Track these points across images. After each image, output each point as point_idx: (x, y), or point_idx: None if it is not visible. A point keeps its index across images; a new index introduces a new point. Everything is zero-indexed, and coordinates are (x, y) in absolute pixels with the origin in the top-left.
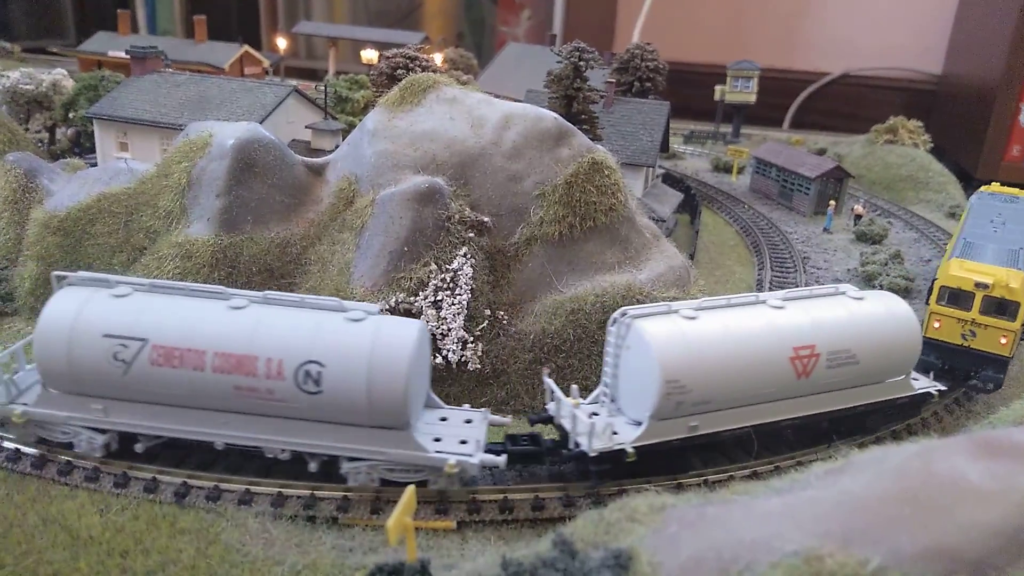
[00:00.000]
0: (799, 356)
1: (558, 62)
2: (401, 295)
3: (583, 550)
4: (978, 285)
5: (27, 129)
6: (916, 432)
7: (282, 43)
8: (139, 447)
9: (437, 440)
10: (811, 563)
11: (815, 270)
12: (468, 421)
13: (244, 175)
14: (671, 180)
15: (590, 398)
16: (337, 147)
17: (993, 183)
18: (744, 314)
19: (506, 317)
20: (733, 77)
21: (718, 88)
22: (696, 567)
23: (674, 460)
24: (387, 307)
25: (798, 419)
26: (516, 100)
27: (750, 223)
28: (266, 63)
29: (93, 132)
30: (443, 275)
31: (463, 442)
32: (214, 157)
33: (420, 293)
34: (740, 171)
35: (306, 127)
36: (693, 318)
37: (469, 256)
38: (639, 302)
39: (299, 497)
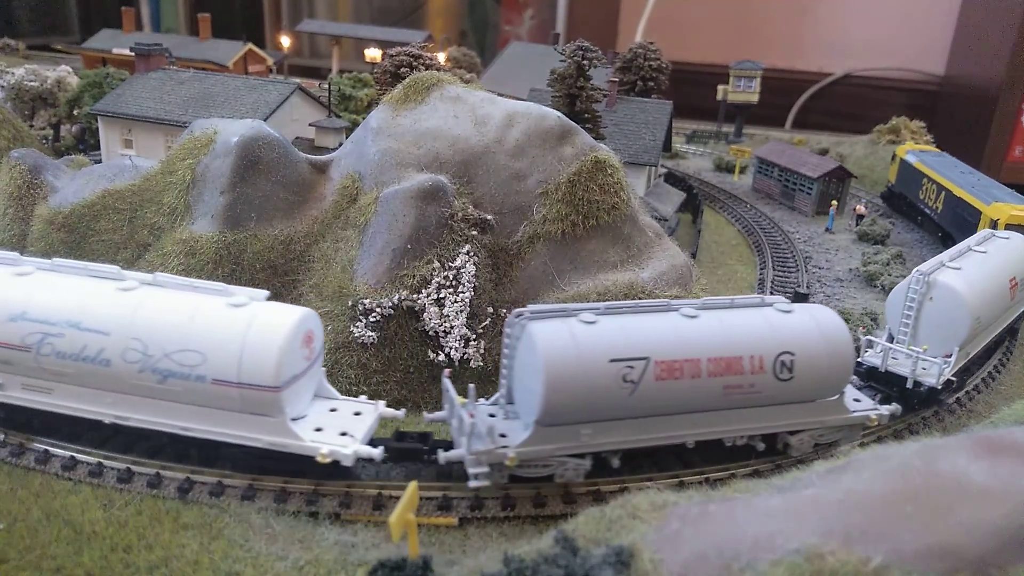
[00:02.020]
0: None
1: (561, 61)
2: (404, 292)
3: (585, 547)
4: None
5: (31, 126)
6: (918, 431)
7: (286, 41)
8: (615, 462)
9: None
10: (813, 561)
11: (817, 270)
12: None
13: (248, 172)
14: (673, 179)
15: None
16: (341, 145)
17: (909, 142)
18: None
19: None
20: (736, 77)
21: (721, 88)
22: (698, 564)
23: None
24: (391, 304)
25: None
26: (519, 99)
27: (752, 223)
28: (270, 61)
29: (97, 129)
30: (446, 273)
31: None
32: (218, 154)
33: (423, 291)
34: (742, 171)
35: (310, 125)
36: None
37: (472, 254)
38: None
39: (302, 493)
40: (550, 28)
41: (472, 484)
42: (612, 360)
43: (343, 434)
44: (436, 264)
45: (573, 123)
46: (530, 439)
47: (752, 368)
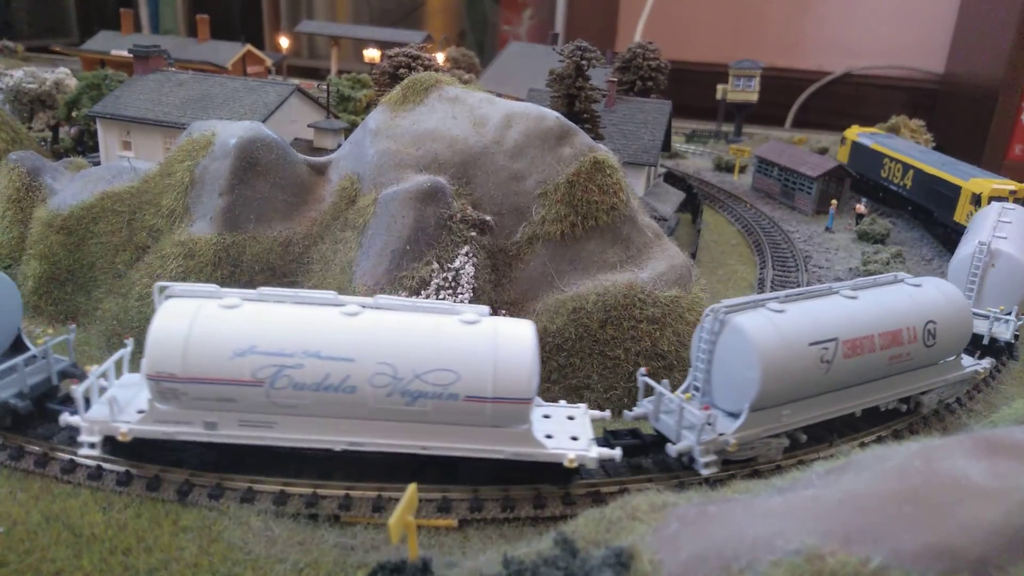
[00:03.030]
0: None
1: (560, 61)
2: (403, 294)
3: (584, 548)
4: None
5: (30, 128)
6: (918, 431)
7: (284, 42)
8: (803, 437)
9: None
10: (812, 562)
11: (817, 269)
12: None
13: (247, 174)
14: (673, 179)
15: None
16: (339, 146)
17: (854, 126)
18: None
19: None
20: (735, 76)
21: (720, 87)
22: (697, 565)
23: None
24: None
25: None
26: (518, 99)
27: (752, 222)
28: (269, 62)
29: (96, 131)
30: (445, 274)
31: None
32: (217, 156)
33: (422, 292)
34: (742, 170)
35: (308, 126)
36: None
37: (471, 255)
38: (641, 301)
39: (301, 495)
40: (549, 28)
41: (704, 472)
42: (811, 343)
43: (573, 438)
44: (435, 265)
45: (572, 123)
46: (744, 424)
47: (909, 338)
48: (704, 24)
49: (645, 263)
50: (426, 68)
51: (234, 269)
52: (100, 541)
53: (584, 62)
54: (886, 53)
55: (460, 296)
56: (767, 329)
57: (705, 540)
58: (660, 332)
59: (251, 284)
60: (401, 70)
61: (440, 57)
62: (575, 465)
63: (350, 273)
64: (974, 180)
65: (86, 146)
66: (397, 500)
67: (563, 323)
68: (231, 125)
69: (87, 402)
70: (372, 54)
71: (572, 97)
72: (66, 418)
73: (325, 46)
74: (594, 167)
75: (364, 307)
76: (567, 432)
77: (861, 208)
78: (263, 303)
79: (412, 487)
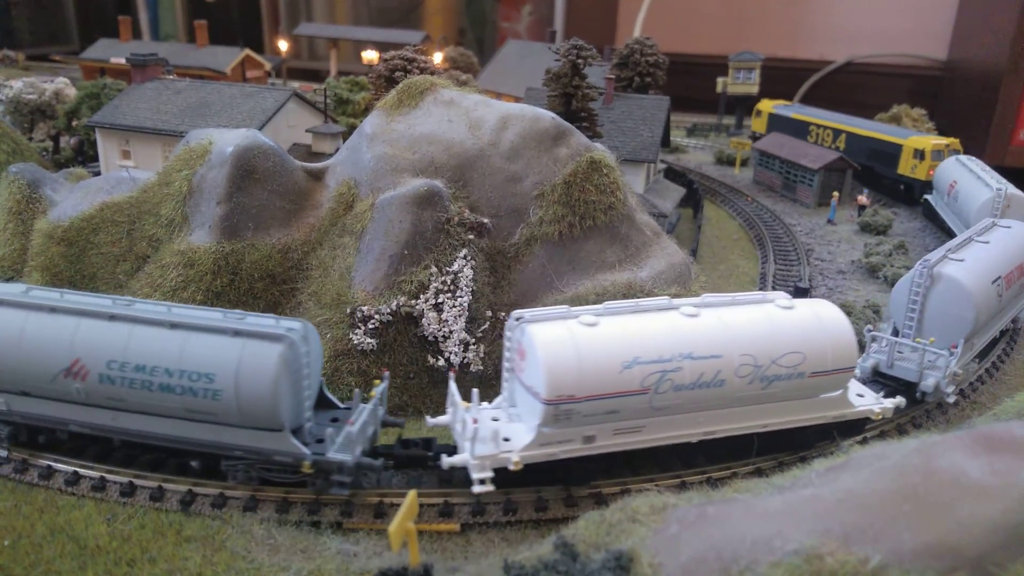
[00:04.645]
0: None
1: (556, 60)
2: (402, 298)
3: (584, 552)
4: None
5: (31, 138)
6: (920, 425)
7: (283, 45)
8: None
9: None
10: (812, 562)
11: (819, 262)
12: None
13: (244, 182)
14: (673, 174)
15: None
16: (338, 150)
17: (764, 99)
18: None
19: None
20: (735, 68)
21: (720, 80)
22: (697, 568)
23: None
24: (389, 310)
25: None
26: (517, 98)
27: (753, 216)
28: (268, 66)
29: (96, 140)
30: (444, 277)
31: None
32: (214, 164)
33: (421, 296)
34: (744, 163)
35: (307, 131)
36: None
37: (469, 258)
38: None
39: (303, 503)
40: (548, 24)
41: (951, 400)
42: (992, 282)
43: (859, 396)
44: (433, 269)
45: (568, 124)
46: (961, 356)
47: None
48: (704, 15)
49: (644, 262)
50: (422, 71)
51: (233, 277)
52: (104, 553)
53: (580, 60)
54: (888, 41)
55: (459, 299)
56: (975, 275)
57: (704, 542)
58: None
59: (251, 292)
60: (397, 73)
61: (438, 57)
62: (881, 417)
63: (349, 279)
64: (913, 138)
65: (86, 156)
66: (398, 506)
67: None
68: (228, 133)
69: (468, 442)
70: (370, 56)
71: (569, 96)
72: (449, 460)
73: (324, 48)
74: (591, 167)
75: (697, 307)
76: (854, 391)
77: (863, 200)
78: (615, 316)
79: (412, 494)
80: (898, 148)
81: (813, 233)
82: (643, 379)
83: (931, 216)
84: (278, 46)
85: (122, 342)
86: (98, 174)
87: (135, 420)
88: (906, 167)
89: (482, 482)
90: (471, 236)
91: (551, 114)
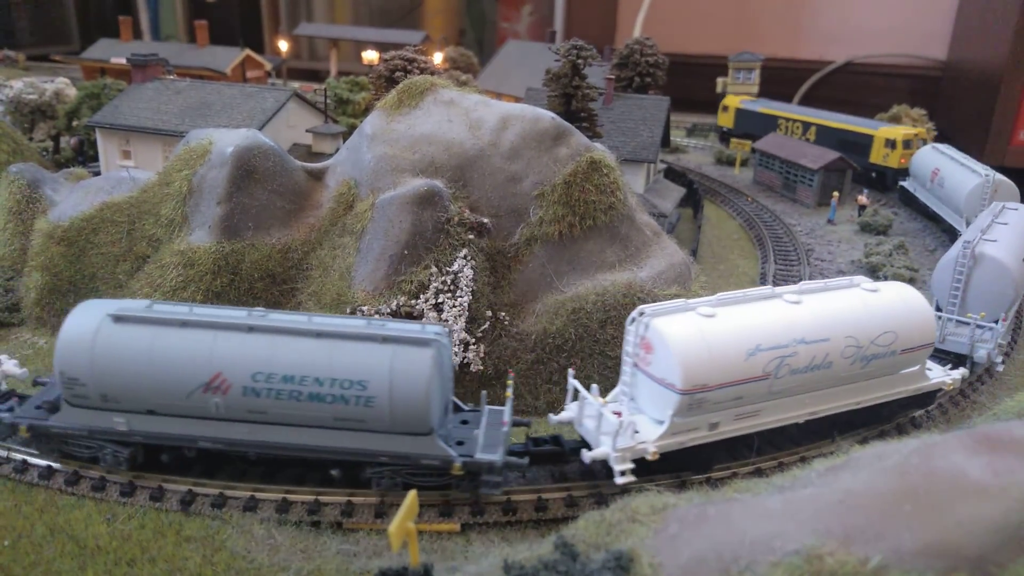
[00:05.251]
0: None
1: (556, 60)
2: (402, 298)
3: (584, 552)
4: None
5: (31, 139)
6: (920, 425)
7: (284, 45)
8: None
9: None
10: (812, 562)
11: (819, 262)
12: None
13: (244, 182)
14: (673, 174)
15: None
16: (338, 150)
17: (729, 95)
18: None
19: (507, 318)
20: (735, 69)
21: (720, 80)
22: (697, 568)
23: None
24: (389, 310)
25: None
26: (517, 98)
27: (753, 216)
28: (268, 66)
29: (96, 140)
30: (444, 277)
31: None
32: (214, 164)
33: (421, 296)
34: (744, 163)
35: (307, 131)
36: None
37: (469, 258)
38: (640, 300)
39: (303, 503)
40: (548, 24)
41: (1000, 368)
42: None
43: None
44: (433, 269)
45: (568, 124)
46: (1003, 332)
47: None
48: (704, 16)
49: (644, 262)
50: (422, 71)
51: (233, 277)
52: (104, 553)
53: (580, 61)
54: (888, 41)
55: (459, 299)
56: (1011, 254)
57: (705, 542)
58: None
59: (250, 292)
60: (397, 73)
61: (438, 57)
62: (952, 387)
63: (349, 279)
64: (883, 129)
65: (86, 156)
66: (398, 505)
67: (563, 324)
68: (228, 133)
69: (607, 436)
70: (371, 56)
71: (569, 96)
72: (590, 454)
73: (325, 48)
74: (591, 167)
75: (798, 294)
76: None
77: (863, 200)
78: (728, 307)
79: (412, 494)
80: (869, 139)
81: (813, 233)
82: (765, 365)
83: (908, 201)
84: (278, 46)
85: (266, 353)
86: (98, 174)
87: (275, 432)
88: (878, 156)
89: (623, 473)
90: (471, 236)
91: (551, 114)
